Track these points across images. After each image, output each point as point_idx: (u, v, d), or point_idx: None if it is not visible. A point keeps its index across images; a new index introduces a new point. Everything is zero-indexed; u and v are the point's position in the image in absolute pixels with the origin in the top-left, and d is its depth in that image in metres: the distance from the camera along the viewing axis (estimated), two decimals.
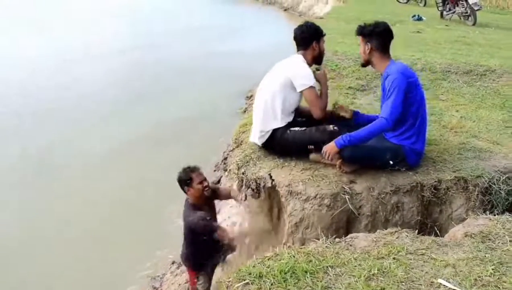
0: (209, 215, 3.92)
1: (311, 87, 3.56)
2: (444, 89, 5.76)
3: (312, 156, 3.55)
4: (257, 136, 3.69)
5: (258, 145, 3.75)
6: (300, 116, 3.77)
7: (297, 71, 3.59)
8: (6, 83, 11.62)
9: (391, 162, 3.42)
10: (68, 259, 5.56)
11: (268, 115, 3.60)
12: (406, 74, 3.33)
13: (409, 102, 3.31)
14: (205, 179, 4.00)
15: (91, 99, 10.79)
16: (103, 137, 8.82)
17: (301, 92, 3.57)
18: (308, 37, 3.70)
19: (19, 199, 6.77)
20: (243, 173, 3.60)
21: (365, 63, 3.61)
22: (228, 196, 4.25)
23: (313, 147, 3.53)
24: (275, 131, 3.60)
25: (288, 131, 3.58)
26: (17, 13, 21.65)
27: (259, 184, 3.50)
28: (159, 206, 6.52)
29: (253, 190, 3.54)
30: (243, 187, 3.62)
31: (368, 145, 3.37)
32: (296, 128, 3.61)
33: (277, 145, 3.64)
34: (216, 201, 4.47)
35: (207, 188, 3.94)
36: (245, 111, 10.30)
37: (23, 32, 17.59)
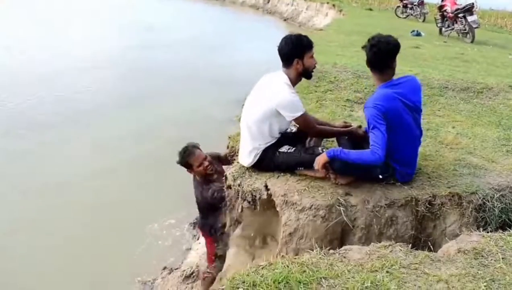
0: (221, 185, 4.03)
1: (301, 115, 3.39)
2: (441, 105, 5.80)
3: (299, 171, 3.54)
4: (245, 159, 3.58)
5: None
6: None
7: (282, 101, 3.34)
8: None
9: (380, 177, 3.44)
10: (57, 265, 5.56)
11: (255, 138, 3.48)
12: (381, 104, 3.22)
13: (390, 130, 3.22)
14: (205, 159, 4.14)
15: (80, 104, 10.80)
16: (90, 143, 8.84)
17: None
18: (289, 54, 3.43)
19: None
20: (239, 185, 3.59)
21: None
22: (228, 161, 4.46)
23: (302, 168, 3.51)
24: (263, 152, 3.51)
25: (277, 153, 3.50)
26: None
27: (255, 196, 3.49)
28: (151, 212, 6.54)
29: (249, 202, 3.54)
30: (239, 199, 3.62)
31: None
32: (284, 149, 3.53)
33: (266, 166, 3.58)
34: None
35: (208, 168, 4.06)
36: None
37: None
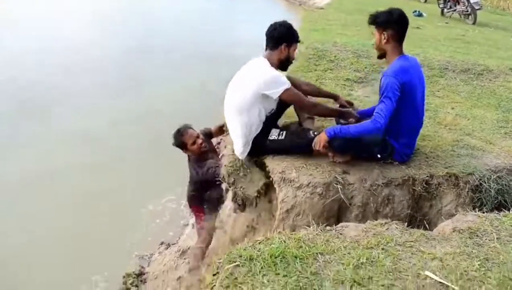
0: (214, 161, 4.19)
1: (287, 89, 3.33)
2: (441, 86, 5.79)
3: None
4: (239, 150, 3.53)
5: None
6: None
7: (266, 79, 3.31)
8: None
9: (378, 156, 3.45)
10: (57, 246, 5.63)
11: (244, 126, 3.41)
12: (401, 76, 3.20)
13: (401, 104, 3.21)
14: (197, 137, 4.24)
15: (82, 84, 10.72)
16: (93, 118, 8.82)
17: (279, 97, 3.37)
18: (279, 37, 3.45)
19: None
20: (232, 183, 3.59)
21: (382, 55, 3.42)
22: (221, 132, 4.58)
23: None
24: (254, 141, 3.48)
25: (268, 142, 3.48)
26: None
27: (245, 200, 3.55)
28: (149, 192, 6.57)
29: (239, 205, 3.59)
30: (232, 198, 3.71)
31: (358, 138, 3.27)
32: (274, 136, 3.49)
33: (257, 154, 3.57)
34: None
35: (202, 145, 4.20)
36: None
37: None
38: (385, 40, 3.31)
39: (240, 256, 2.26)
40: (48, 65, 11.41)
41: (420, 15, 13.98)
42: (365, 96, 5.10)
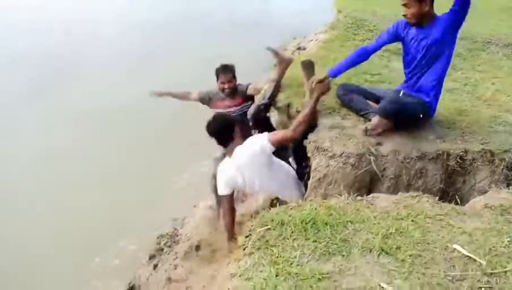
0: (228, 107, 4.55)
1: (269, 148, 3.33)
2: (482, 60, 5.64)
3: None
4: None
5: None
6: None
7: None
8: None
9: (421, 116, 3.50)
10: (93, 210, 5.82)
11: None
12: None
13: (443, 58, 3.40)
14: (229, 81, 4.48)
15: (107, 55, 10.81)
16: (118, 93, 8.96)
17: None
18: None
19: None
20: None
21: (418, 22, 3.44)
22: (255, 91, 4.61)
23: None
24: None
25: None
26: None
27: None
28: (185, 157, 6.65)
29: None
30: None
31: (402, 100, 3.45)
32: None
33: None
34: None
35: (226, 88, 4.48)
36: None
37: None
38: (427, 7, 3.37)
39: (272, 220, 2.35)
40: (74, 35, 11.50)
41: None
42: (401, 69, 5.01)
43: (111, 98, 8.44)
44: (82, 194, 6.00)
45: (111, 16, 13.55)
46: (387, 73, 4.71)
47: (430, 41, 3.39)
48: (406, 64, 3.64)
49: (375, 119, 3.44)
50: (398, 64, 5.12)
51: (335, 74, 3.64)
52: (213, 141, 3.53)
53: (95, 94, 8.77)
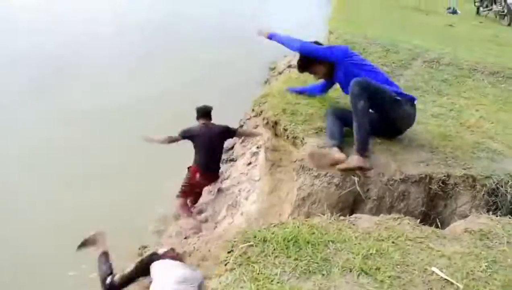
0: None
1: None
2: (468, 87, 5.74)
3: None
4: None
5: None
6: None
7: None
8: None
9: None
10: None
11: None
12: None
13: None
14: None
15: (107, 55, 10.83)
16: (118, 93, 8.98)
17: None
18: None
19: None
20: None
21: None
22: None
23: None
24: None
25: None
26: None
27: None
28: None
29: None
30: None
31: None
32: None
33: None
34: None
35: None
36: (266, 82, 10.34)
37: None
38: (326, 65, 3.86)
39: (255, 237, 2.36)
40: (73, 35, 11.51)
41: (454, 12, 13.77)
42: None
43: (111, 98, 8.52)
44: (82, 193, 6.05)
45: (110, 16, 13.57)
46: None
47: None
48: None
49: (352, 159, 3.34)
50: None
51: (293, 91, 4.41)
52: None
53: (95, 94, 8.83)
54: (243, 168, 6.51)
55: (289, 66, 10.13)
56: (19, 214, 5.79)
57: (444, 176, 3.45)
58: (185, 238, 5.44)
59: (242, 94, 9.14)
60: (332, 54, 3.79)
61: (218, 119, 7.06)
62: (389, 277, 2.19)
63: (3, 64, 9.78)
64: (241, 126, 8.13)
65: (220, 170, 6.39)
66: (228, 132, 6.20)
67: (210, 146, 5.97)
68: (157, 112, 8.19)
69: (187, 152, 6.26)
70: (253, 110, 8.28)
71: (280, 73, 10.39)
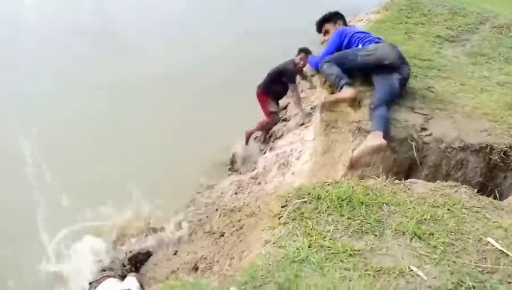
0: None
1: None
2: None
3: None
4: None
5: None
6: None
7: None
8: None
9: None
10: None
11: None
12: None
13: None
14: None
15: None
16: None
17: None
18: None
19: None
20: None
21: None
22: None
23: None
24: None
25: None
26: None
27: None
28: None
29: None
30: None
31: None
32: None
33: None
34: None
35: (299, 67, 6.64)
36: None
37: None
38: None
39: (309, 194, 2.40)
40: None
41: None
42: (454, 56, 4.91)
43: (163, 66, 8.62)
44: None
45: None
46: (438, 59, 4.61)
47: None
48: None
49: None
50: (451, 52, 5.02)
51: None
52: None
53: (145, 62, 8.94)
54: (296, 128, 6.51)
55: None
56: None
57: (507, 147, 3.34)
58: (235, 193, 5.58)
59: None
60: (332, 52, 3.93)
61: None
62: (443, 243, 2.18)
63: (67, 35, 10.01)
64: None
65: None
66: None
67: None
68: (202, 80, 8.27)
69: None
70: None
71: None
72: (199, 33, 10.18)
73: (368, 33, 4.02)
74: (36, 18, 10.62)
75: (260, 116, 6.83)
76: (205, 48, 9.38)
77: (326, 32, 4.27)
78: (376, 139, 3.10)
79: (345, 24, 4.33)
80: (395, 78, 3.50)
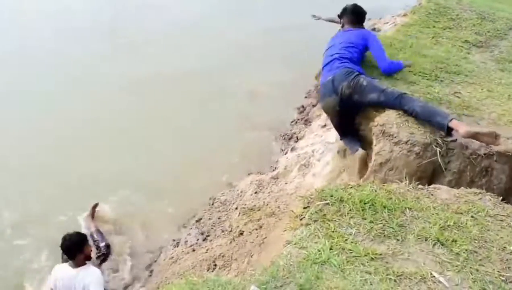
0: None
1: None
2: None
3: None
4: None
5: None
6: None
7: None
8: None
9: None
10: None
11: None
12: None
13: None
14: None
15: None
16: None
17: None
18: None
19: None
20: None
21: None
22: None
23: None
24: None
25: None
26: None
27: None
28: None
29: None
30: None
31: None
32: None
33: None
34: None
35: None
36: None
37: None
38: None
39: (331, 196, 2.40)
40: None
41: None
42: (482, 62, 4.85)
43: (179, 63, 8.64)
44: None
45: None
46: (465, 65, 4.56)
47: None
48: None
49: None
50: (478, 57, 4.96)
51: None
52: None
53: (166, 59, 8.95)
54: (318, 129, 6.48)
55: (373, 30, 9.80)
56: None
57: None
58: (255, 192, 5.59)
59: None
60: None
61: (291, 78, 7.12)
62: (466, 250, 2.17)
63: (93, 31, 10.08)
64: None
65: None
66: None
67: None
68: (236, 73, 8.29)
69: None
70: None
71: None
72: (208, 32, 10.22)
73: (330, 54, 4.00)
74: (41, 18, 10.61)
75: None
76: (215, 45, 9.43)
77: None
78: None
79: (351, 22, 4.33)
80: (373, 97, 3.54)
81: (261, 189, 5.60)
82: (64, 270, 3.63)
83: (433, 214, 2.38)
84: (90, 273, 3.57)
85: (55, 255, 4.60)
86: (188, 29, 10.07)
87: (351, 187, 2.50)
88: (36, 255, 4.98)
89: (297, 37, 9.76)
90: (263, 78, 8.10)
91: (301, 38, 9.63)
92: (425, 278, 1.97)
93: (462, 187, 2.83)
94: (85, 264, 3.63)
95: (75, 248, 3.56)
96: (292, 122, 7.20)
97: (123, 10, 11.11)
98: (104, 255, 4.86)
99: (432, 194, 2.60)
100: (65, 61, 8.58)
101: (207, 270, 4.26)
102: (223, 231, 4.93)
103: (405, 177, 2.88)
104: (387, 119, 3.36)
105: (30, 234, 5.22)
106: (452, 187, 3.15)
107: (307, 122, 7.16)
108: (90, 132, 6.72)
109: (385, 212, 2.32)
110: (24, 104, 7.27)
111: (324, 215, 2.27)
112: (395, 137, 3.24)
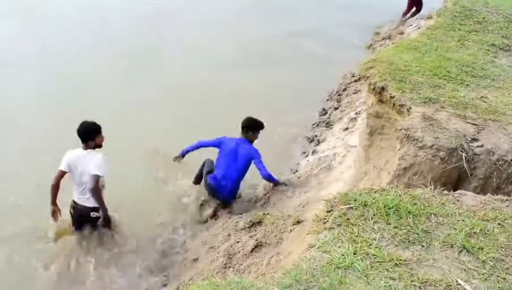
0: None
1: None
2: None
3: None
4: None
5: None
6: None
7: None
8: None
9: None
10: None
11: None
12: None
13: None
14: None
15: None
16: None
17: None
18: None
19: None
20: None
21: None
22: None
23: None
24: None
25: None
26: None
27: None
28: None
29: None
30: None
31: None
32: None
33: None
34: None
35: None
36: (369, 47, 10.03)
37: None
38: None
39: (355, 200, 2.38)
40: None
41: None
42: (509, 66, 4.76)
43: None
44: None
45: None
46: (492, 69, 4.48)
47: None
48: None
49: None
50: (505, 61, 4.88)
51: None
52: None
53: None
54: (339, 133, 6.45)
55: (401, 33, 9.77)
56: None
57: None
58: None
59: (343, 57, 9.04)
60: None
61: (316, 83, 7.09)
62: (492, 258, 2.12)
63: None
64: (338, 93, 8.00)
65: None
66: None
67: None
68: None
69: None
70: (353, 75, 8.18)
71: (384, 39, 10.03)
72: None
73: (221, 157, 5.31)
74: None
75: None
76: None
77: None
78: None
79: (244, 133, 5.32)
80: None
81: None
82: (76, 151, 4.33)
83: (458, 220, 2.34)
84: (94, 157, 4.25)
85: None
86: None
87: (375, 192, 2.47)
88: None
89: (316, 39, 9.79)
90: (283, 80, 8.09)
91: (320, 41, 9.65)
92: (450, 285, 1.93)
93: (488, 194, 2.78)
94: (94, 150, 4.31)
95: (88, 134, 4.26)
96: (313, 124, 7.15)
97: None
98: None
99: (457, 200, 2.56)
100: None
101: (225, 270, 4.27)
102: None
103: (430, 182, 2.84)
104: (411, 123, 3.33)
105: None
106: (478, 193, 3.10)
107: (328, 124, 7.14)
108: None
109: (409, 217, 2.29)
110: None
111: (348, 219, 2.26)
112: (420, 141, 3.21)
